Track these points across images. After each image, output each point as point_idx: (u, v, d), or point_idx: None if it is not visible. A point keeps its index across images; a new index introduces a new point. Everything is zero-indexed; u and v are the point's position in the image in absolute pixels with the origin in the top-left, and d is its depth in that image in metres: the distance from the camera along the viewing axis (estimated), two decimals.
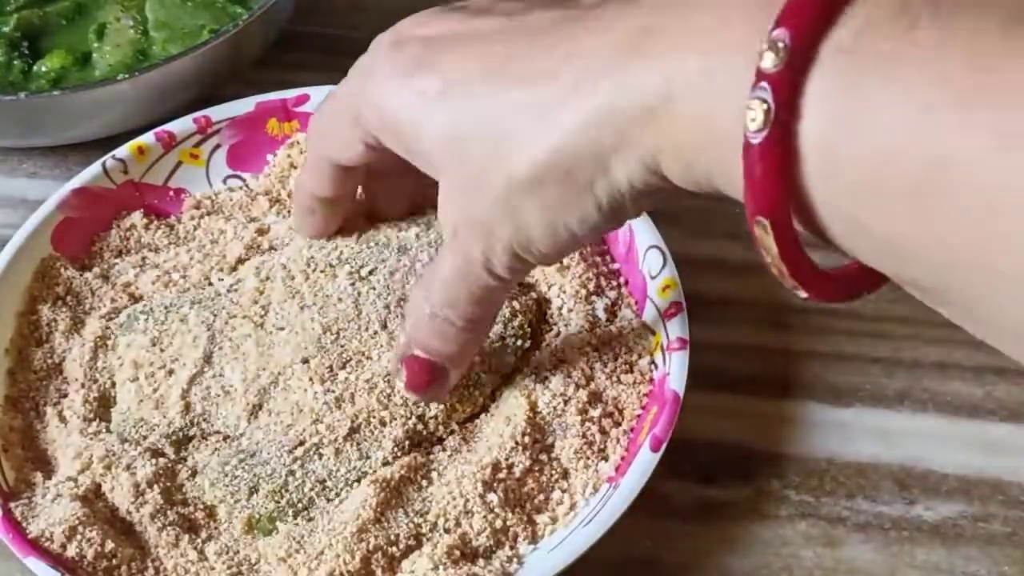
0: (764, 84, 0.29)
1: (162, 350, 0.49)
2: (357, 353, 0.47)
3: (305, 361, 0.46)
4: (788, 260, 0.31)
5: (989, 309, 0.29)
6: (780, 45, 0.29)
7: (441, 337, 0.43)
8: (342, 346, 0.47)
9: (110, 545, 0.44)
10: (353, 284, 0.48)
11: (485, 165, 0.38)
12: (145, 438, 0.47)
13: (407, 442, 0.46)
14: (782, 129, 0.29)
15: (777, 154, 0.30)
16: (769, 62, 0.29)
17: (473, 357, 0.45)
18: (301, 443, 0.46)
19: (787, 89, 0.29)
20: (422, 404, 0.46)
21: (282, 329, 0.47)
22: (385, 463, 0.45)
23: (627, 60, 0.34)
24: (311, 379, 0.46)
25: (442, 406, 0.46)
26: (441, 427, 0.47)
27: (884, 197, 0.29)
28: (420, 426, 0.46)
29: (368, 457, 0.45)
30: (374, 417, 0.46)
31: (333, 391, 0.46)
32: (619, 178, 0.36)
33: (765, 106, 0.29)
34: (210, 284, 0.52)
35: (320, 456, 0.45)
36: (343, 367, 0.46)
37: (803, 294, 0.32)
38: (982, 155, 0.26)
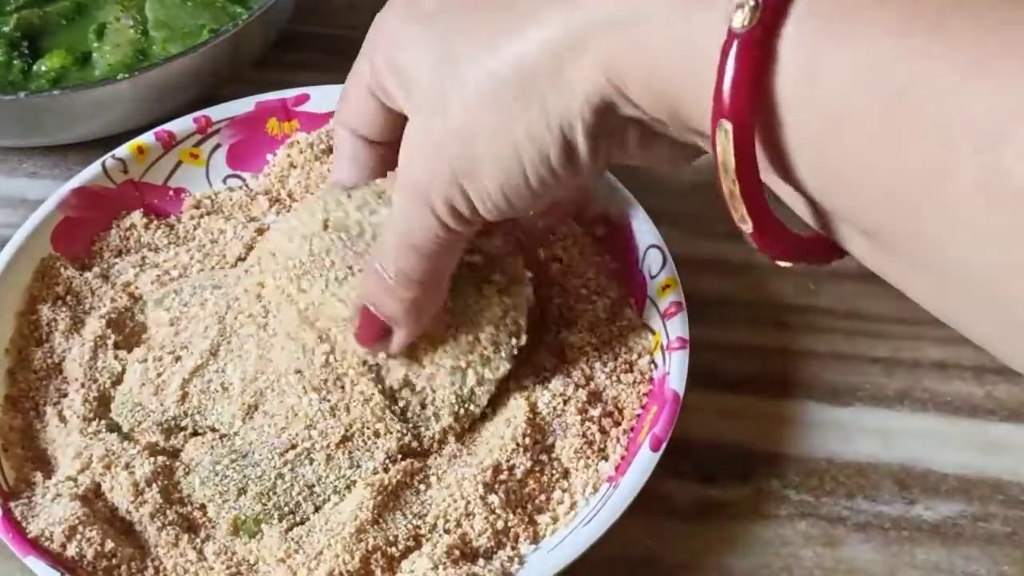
0: None
1: (177, 333, 0.49)
2: (352, 367, 0.46)
3: (299, 372, 0.46)
4: (744, 177, 0.31)
5: (934, 250, 0.29)
6: None
7: (388, 294, 0.42)
8: (336, 358, 0.46)
9: (110, 545, 0.44)
10: (342, 286, 0.47)
11: (446, 87, 0.37)
12: (140, 423, 0.47)
13: (399, 455, 0.46)
14: (765, 31, 0.29)
15: (756, 55, 0.30)
16: None
17: (424, 321, 0.44)
18: (293, 447, 0.46)
19: None
20: (420, 430, 0.46)
21: (277, 335, 0.47)
22: (375, 472, 0.45)
23: None
24: (305, 388, 0.46)
25: (439, 426, 0.46)
26: (436, 444, 0.46)
27: (853, 117, 0.29)
28: (414, 442, 0.46)
29: (359, 466, 0.45)
30: (368, 428, 0.45)
31: (328, 400, 0.46)
32: (574, 90, 0.35)
33: (752, 3, 0.29)
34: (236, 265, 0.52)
35: (311, 461, 0.45)
36: (337, 380, 0.46)
37: (748, 227, 0.32)
38: (944, 81, 0.27)
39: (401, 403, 0.46)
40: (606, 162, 0.38)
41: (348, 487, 0.45)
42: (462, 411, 0.46)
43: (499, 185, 0.38)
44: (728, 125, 0.30)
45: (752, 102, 0.30)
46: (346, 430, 0.45)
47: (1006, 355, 0.30)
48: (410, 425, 0.46)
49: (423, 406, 0.46)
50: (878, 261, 0.32)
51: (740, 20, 0.29)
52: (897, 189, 0.28)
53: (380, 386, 0.45)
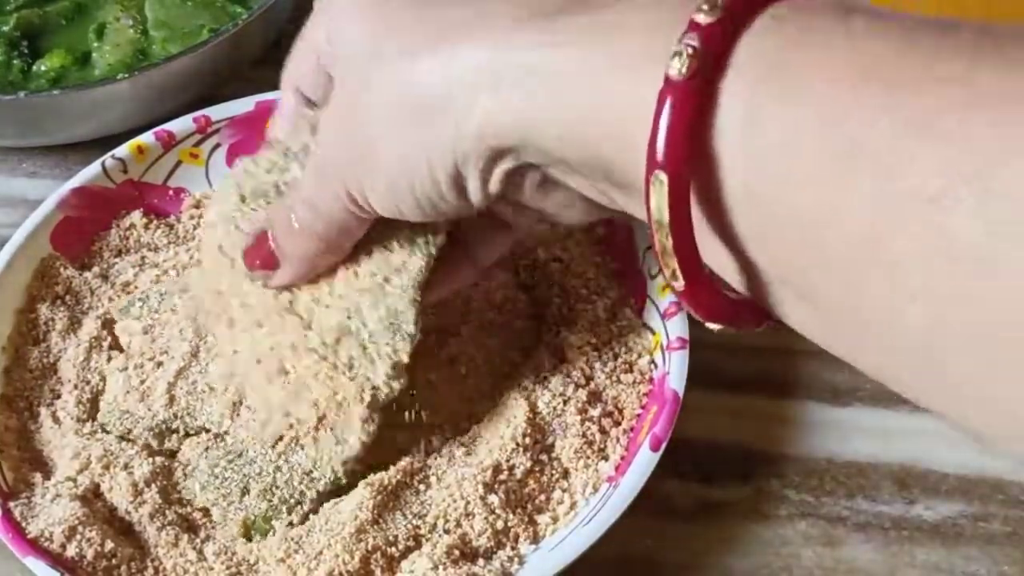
0: (694, 34, 0.29)
1: (153, 340, 0.49)
2: (292, 345, 0.45)
3: (259, 361, 0.46)
4: (678, 232, 0.30)
5: (880, 316, 0.28)
6: (718, 2, 0.29)
7: (289, 235, 0.42)
8: (278, 341, 0.45)
9: (110, 545, 0.43)
10: None
11: (368, 78, 0.37)
12: (129, 431, 0.47)
13: (374, 415, 0.44)
14: (704, 80, 0.28)
15: (694, 103, 0.28)
16: (703, 17, 0.29)
17: (314, 272, 0.43)
18: (280, 438, 0.45)
19: (718, 41, 0.29)
20: (369, 376, 0.44)
21: (238, 329, 0.46)
22: (363, 443, 0.44)
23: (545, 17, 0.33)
24: (267, 378, 0.45)
25: (384, 366, 0.43)
26: (393, 384, 0.44)
27: (796, 176, 0.28)
28: (379, 393, 0.44)
29: (345, 441, 0.45)
30: (332, 401, 0.45)
31: (288, 384, 0.45)
32: (475, 128, 0.34)
33: (691, 50, 0.28)
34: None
35: (301, 447, 0.45)
36: (287, 362, 0.45)
37: (679, 284, 0.31)
38: (889, 141, 0.26)
39: (344, 358, 0.44)
40: (499, 197, 0.37)
41: (344, 463, 0.45)
42: (397, 337, 0.43)
43: (390, 193, 0.37)
44: (663, 177, 0.29)
45: (689, 153, 0.29)
46: (317, 409, 0.45)
47: (958, 420, 0.29)
48: (361, 378, 0.44)
49: (364, 348, 0.44)
50: (816, 329, 0.31)
51: (677, 68, 0.28)
52: (841, 251, 0.27)
53: (321, 349, 0.44)
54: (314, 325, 0.44)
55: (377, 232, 0.42)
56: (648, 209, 0.30)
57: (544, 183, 0.36)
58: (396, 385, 0.44)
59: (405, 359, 0.43)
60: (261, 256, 0.43)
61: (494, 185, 0.36)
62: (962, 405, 0.28)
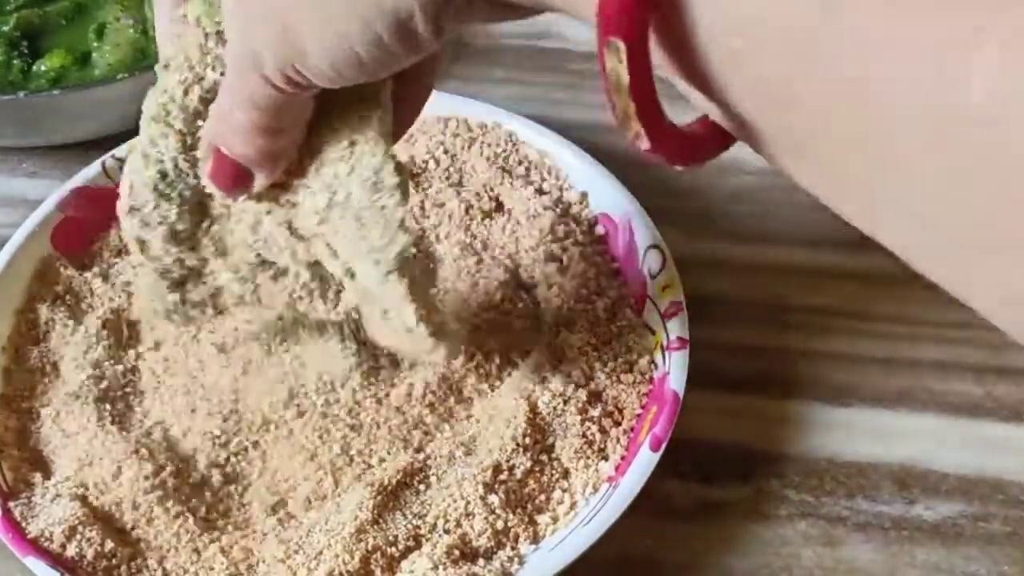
0: None
1: None
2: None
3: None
4: (639, 97, 0.27)
5: (871, 172, 0.26)
6: None
7: (237, 138, 0.39)
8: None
9: (110, 545, 0.44)
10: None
11: None
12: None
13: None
14: None
15: None
16: None
17: (284, 162, 0.40)
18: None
19: None
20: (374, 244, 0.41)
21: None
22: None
23: None
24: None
25: (405, 234, 0.40)
26: (407, 243, 0.41)
27: (779, 23, 0.25)
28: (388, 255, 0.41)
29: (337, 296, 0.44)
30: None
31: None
32: None
33: None
34: None
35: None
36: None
37: (645, 145, 0.28)
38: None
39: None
40: (448, 35, 0.34)
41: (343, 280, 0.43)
42: (384, 195, 0.40)
43: (331, 65, 0.34)
44: (620, 44, 0.26)
45: (646, 15, 0.26)
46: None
47: (942, 276, 0.27)
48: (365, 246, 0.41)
49: (359, 220, 0.40)
50: (790, 161, 0.28)
51: None
52: (833, 103, 0.25)
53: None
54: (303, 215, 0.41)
55: (326, 99, 0.39)
56: (603, 68, 0.27)
57: (494, 10, 0.33)
58: (404, 239, 0.40)
59: (401, 214, 0.40)
60: (227, 172, 0.40)
61: (449, 25, 0.33)
62: (946, 248, 0.26)
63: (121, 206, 0.43)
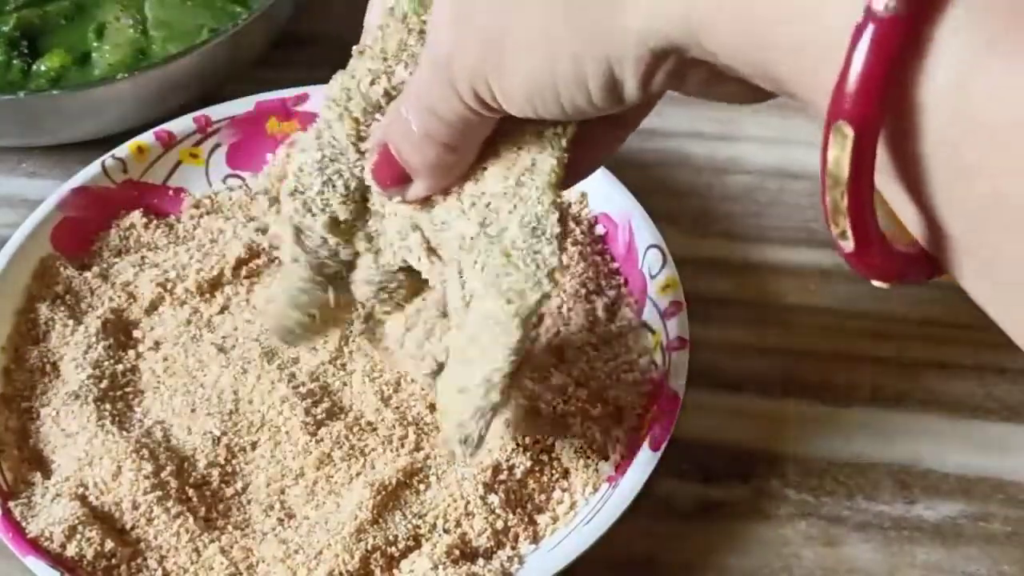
0: None
1: None
2: None
3: None
4: (856, 193, 0.26)
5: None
6: None
7: (409, 142, 0.38)
8: None
9: (110, 544, 0.44)
10: None
11: None
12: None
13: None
14: (914, 18, 0.24)
15: (897, 43, 0.24)
16: None
17: (450, 178, 0.39)
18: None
19: None
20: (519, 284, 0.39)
21: None
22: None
23: None
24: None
25: (554, 283, 0.39)
26: (551, 290, 0.39)
27: (1014, 147, 0.23)
28: (529, 299, 0.39)
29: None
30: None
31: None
32: (638, 26, 0.29)
33: None
34: None
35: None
36: None
37: (849, 247, 0.27)
38: None
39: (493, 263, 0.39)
40: (657, 98, 0.33)
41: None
42: (543, 241, 0.38)
43: (526, 95, 0.33)
44: (849, 131, 0.25)
45: (883, 103, 0.25)
46: None
47: None
48: (511, 282, 0.39)
49: (508, 256, 0.39)
50: (998, 309, 0.27)
51: (881, 5, 0.24)
52: None
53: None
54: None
55: (501, 127, 0.38)
56: (824, 160, 0.26)
57: (711, 78, 0.31)
58: (548, 287, 0.39)
59: (555, 263, 0.39)
60: (390, 172, 0.39)
61: (656, 86, 0.31)
62: None
63: (285, 187, 0.42)
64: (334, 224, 0.42)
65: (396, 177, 0.39)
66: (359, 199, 0.42)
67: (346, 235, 0.42)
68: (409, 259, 0.42)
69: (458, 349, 0.41)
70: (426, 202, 0.40)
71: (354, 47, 0.41)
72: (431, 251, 0.41)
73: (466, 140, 0.37)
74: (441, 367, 0.42)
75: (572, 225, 0.54)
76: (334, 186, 0.41)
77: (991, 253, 0.26)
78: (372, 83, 0.40)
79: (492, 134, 0.38)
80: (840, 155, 0.25)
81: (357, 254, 0.43)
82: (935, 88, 0.24)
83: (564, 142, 0.38)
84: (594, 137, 0.40)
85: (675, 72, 0.31)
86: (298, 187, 0.42)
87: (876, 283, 0.29)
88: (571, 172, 0.40)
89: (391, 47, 0.40)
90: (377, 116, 0.40)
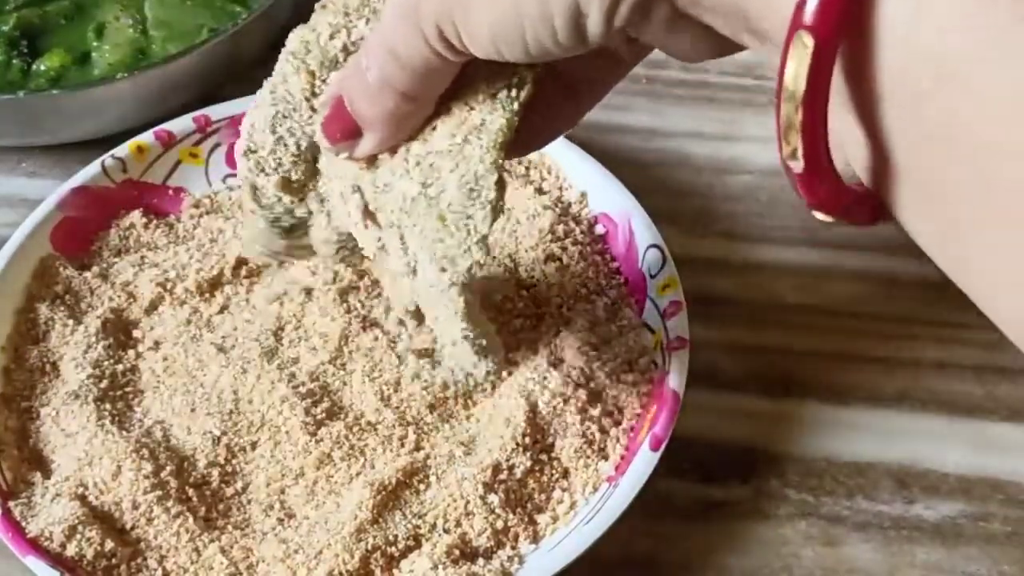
0: None
1: None
2: None
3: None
4: (810, 108, 0.26)
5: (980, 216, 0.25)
6: None
7: (365, 95, 0.38)
8: None
9: (109, 544, 0.44)
10: None
11: None
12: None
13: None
14: None
15: None
16: None
17: (400, 135, 0.39)
18: None
19: None
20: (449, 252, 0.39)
21: None
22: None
23: None
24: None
25: (483, 253, 0.38)
26: (482, 259, 0.39)
27: (972, 80, 0.24)
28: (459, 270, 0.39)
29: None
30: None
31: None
32: None
33: None
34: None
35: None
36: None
37: (799, 167, 0.27)
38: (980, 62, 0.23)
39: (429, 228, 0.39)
40: (620, 40, 0.33)
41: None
42: (476, 205, 0.38)
43: (491, 34, 0.33)
44: (809, 41, 0.25)
45: (843, 17, 0.25)
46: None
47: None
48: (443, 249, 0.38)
49: (443, 220, 0.38)
50: (932, 236, 0.27)
51: None
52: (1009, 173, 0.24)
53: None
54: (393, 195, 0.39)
55: (454, 87, 0.38)
56: (781, 75, 0.26)
57: (672, 19, 0.31)
58: (479, 255, 0.38)
59: (486, 231, 0.38)
60: (341, 125, 0.39)
61: (619, 19, 0.31)
62: None
63: (238, 146, 0.42)
64: (286, 183, 0.42)
65: (347, 130, 0.39)
66: (311, 159, 0.42)
67: (299, 194, 0.42)
68: (347, 224, 0.42)
69: (427, 310, 0.40)
70: (371, 162, 0.40)
71: (317, 3, 0.41)
72: (369, 214, 0.41)
73: (425, 89, 0.37)
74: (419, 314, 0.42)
75: (572, 224, 0.54)
76: (286, 145, 0.41)
77: (934, 181, 0.26)
78: (331, 37, 0.40)
79: (447, 92, 0.37)
80: (798, 68, 0.26)
81: (311, 213, 0.43)
82: (891, 14, 0.25)
83: (516, 105, 0.38)
84: (552, 106, 0.40)
85: (638, 6, 0.31)
86: (251, 146, 0.42)
87: (820, 216, 0.29)
88: (526, 141, 0.39)
89: (353, 2, 0.40)
90: (333, 74, 0.40)
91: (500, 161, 0.38)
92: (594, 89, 0.41)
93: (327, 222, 0.43)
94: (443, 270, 0.38)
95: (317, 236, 0.43)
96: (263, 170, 0.42)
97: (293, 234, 0.44)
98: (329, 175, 0.42)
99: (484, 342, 0.40)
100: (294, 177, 0.42)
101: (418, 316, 0.42)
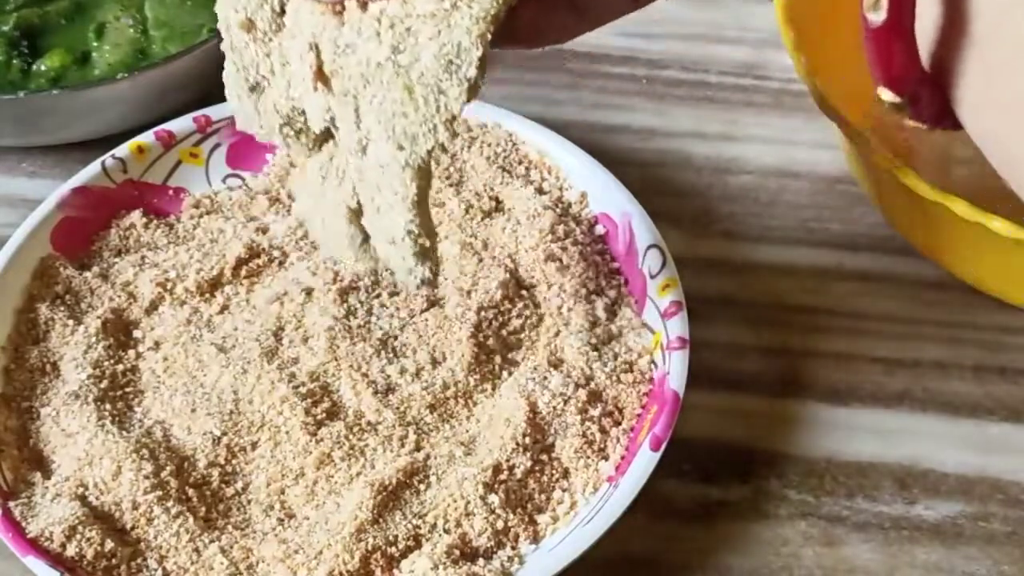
0: None
1: None
2: None
3: None
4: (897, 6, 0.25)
5: None
6: None
7: None
8: None
9: (110, 544, 0.44)
10: None
11: None
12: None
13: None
14: None
15: None
16: None
17: None
18: None
19: None
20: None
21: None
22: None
23: None
24: None
25: (451, 135, 0.36)
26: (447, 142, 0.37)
27: None
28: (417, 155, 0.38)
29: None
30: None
31: None
32: None
33: None
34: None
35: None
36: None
37: (880, 16, 0.25)
38: None
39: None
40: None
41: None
42: (453, 81, 0.35)
43: None
44: None
45: None
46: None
47: None
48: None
49: (409, 92, 0.35)
50: (992, 142, 0.26)
51: None
52: None
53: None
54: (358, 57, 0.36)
55: None
56: None
57: None
58: (444, 137, 0.36)
59: (457, 110, 0.35)
60: None
61: None
62: None
63: None
64: (249, 25, 0.40)
65: None
66: (279, 8, 0.39)
67: (262, 45, 0.40)
68: (296, 87, 0.39)
69: (367, 199, 0.38)
70: (340, 15, 0.36)
71: None
72: (322, 76, 0.38)
73: None
74: (358, 212, 0.40)
75: (572, 225, 0.54)
76: None
77: (1009, 50, 0.24)
78: None
79: None
80: None
81: (273, 74, 0.40)
82: None
83: None
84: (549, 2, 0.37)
85: None
86: None
87: (886, 96, 0.27)
88: (510, 31, 0.36)
89: None
90: None
91: (488, 36, 0.34)
92: (597, 9, 0.38)
93: (286, 88, 0.40)
94: (400, 148, 0.35)
95: (270, 98, 0.40)
96: (234, 8, 0.40)
97: (257, 91, 0.41)
98: (293, 32, 0.39)
99: (427, 243, 0.38)
100: (257, 20, 0.39)
101: (356, 214, 0.39)
